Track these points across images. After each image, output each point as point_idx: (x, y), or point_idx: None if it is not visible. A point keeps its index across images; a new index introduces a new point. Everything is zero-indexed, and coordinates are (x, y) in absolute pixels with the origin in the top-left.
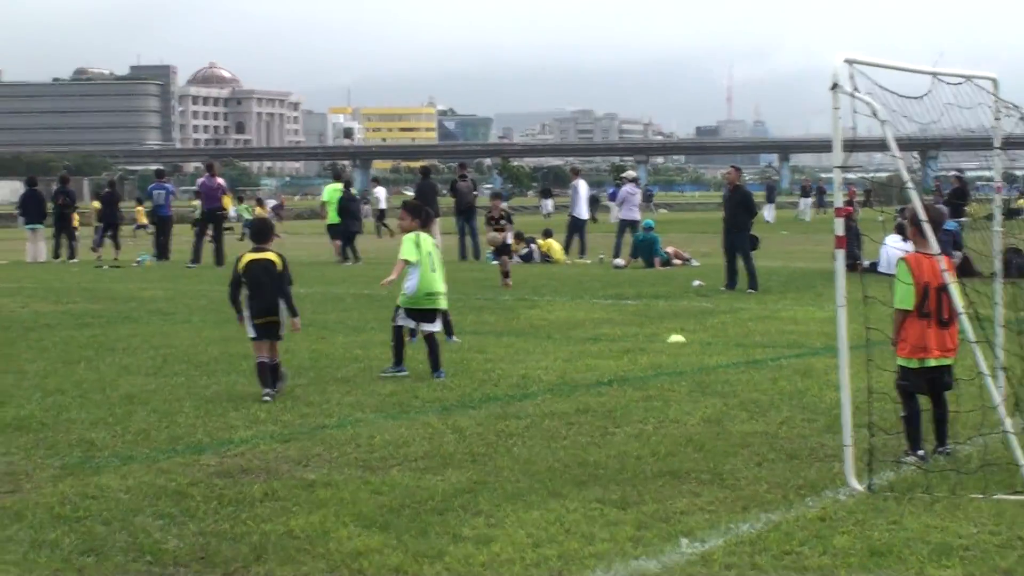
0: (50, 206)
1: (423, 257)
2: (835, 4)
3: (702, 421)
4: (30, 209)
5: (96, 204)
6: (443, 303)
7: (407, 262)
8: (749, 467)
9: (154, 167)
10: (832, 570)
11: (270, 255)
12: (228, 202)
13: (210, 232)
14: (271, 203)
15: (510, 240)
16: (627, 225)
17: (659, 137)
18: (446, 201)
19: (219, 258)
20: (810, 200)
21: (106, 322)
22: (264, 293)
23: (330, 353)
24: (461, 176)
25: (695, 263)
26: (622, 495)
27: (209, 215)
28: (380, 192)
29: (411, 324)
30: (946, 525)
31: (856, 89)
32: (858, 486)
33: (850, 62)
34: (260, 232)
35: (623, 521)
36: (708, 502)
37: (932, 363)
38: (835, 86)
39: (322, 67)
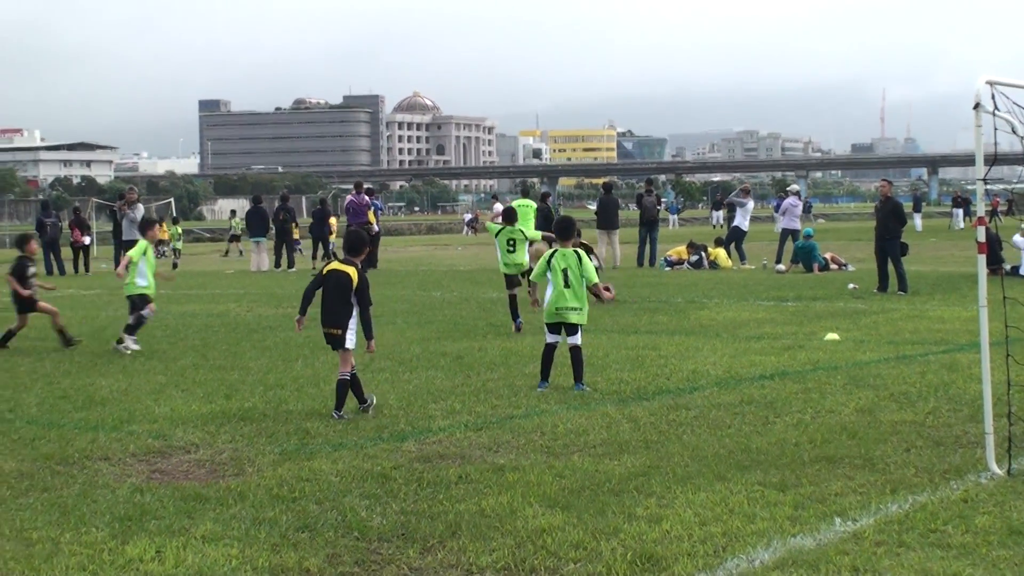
0: (272, 222)
1: (555, 274)
2: (987, 31)
3: (855, 411)
4: (255, 224)
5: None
6: (573, 317)
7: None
8: (898, 453)
9: (365, 186)
10: (974, 547)
11: (350, 270)
12: (373, 217)
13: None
14: (467, 216)
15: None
16: (789, 233)
17: (818, 154)
18: (626, 214)
19: (372, 264)
20: (961, 211)
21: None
22: (329, 304)
23: (519, 351)
24: (647, 191)
25: (850, 268)
26: (781, 478)
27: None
28: (498, 207)
29: (555, 339)
30: None
31: (997, 108)
32: (998, 470)
33: (992, 83)
34: (352, 246)
35: (782, 502)
36: (860, 485)
37: None
38: (977, 105)
39: (513, 95)
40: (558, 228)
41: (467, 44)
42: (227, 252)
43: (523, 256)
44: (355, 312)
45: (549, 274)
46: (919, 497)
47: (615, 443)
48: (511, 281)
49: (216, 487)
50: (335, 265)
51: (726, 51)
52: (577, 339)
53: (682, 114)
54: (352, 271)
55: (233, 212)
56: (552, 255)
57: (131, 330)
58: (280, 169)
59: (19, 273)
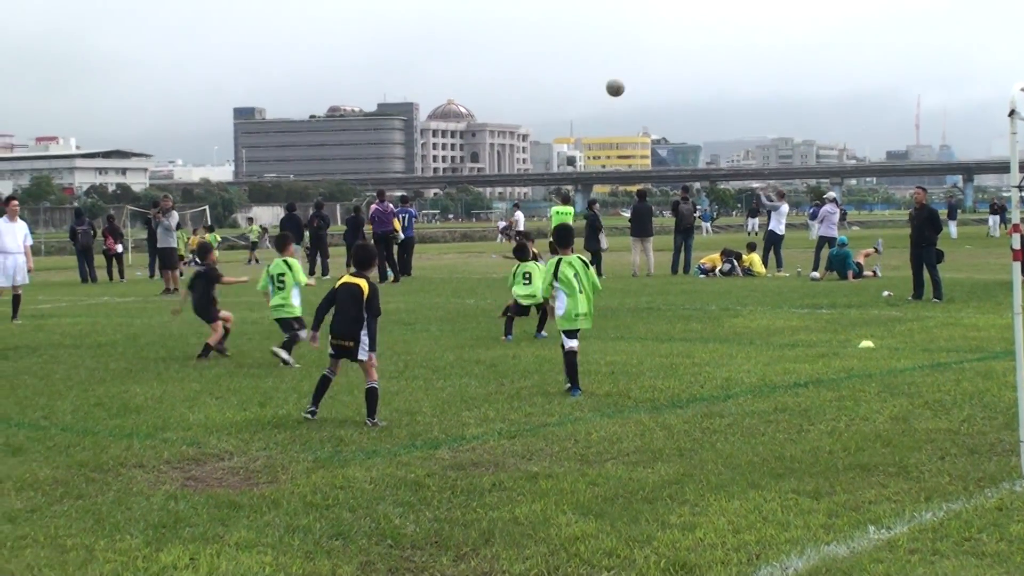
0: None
1: (567, 282)
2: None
3: (889, 419)
4: (289, 231)
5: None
6: (586, 323)
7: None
8: (932, 461)
9: (399, 193)
10: (1008, 555)
11: (360, 281)
12: (398, 225)
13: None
14: (502, 224)
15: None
16: (826, 241)
17: (852, 161)
18: (660, 221)
19: (396, 274)
20: (998, 217)
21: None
22: (343, 317)
23: (552, 359)
24: (684, 198)
25: (880, 274)
26: (815, 486)
27: (382, 237)
28: (519, 216)
29: (574, 344)
30: None
31: None
32: None
33: None
34: (359, 260)
35: (816, 510)
36: (894, 493)
37: None
38: (1012, 112)
39: (547, 102)
40: (558, 236)
41: (502, 52)
42: (252, 259)
43: (539, 287)
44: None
45: (557, 283)
46: (953, 505)
47: (649, 451)
48: (520, 309)
49: (250, 494)
50: (347, 278)
51: (761, 59)
52: (576, 343)
53: (717, 121)
54: (363, 283)
55: (251, 219)
56: (558, 265)
57: (288, 347)
58: (314, 177)
59: (215, 278)
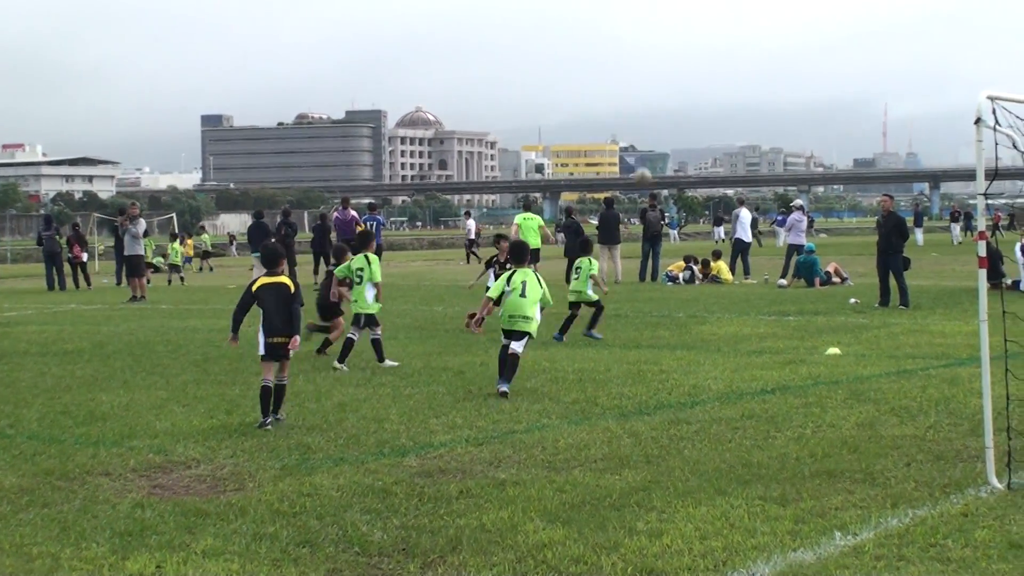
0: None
1: (515, 286)
2: (991, 48)
3: (856, 425)
4: (256, 239)
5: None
6: (524, 326)
7: (491, 299)
8: (898, 467)
9: (366, 200)
10: (973, 561)
11: (283, 279)
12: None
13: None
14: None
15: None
16: (795, 249)
17: (820, 169)
18: (629, 228)
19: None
20: (958, 225)
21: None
22: (277, 316)
23: (521, 366)
24: (651, 206)
25: (851, 283)
26: (782, 493)
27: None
28: (471, 224)
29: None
30: None
31: (998, 123)
32: (998, 484)
33: (993, 98)
34: (270, 260)
35: (782, 516)
36: (860, 499)
37: None
38: (978, 120)
39: (516, 110)
40: (513, 253)
41: (470, 60)
42: (200, 268)
43: (585, 284)
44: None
45: (508, 288)
46: (919, 511)
47: (616, 458)
48: (573, 305)
49: (217, 502)
50: (266, 280)
51: (731, 68)
52: (519, 347)
53: (686, 130)
54: (286, 280)
55: (203, 227)
56: (512, 274)
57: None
58: (282, 184)
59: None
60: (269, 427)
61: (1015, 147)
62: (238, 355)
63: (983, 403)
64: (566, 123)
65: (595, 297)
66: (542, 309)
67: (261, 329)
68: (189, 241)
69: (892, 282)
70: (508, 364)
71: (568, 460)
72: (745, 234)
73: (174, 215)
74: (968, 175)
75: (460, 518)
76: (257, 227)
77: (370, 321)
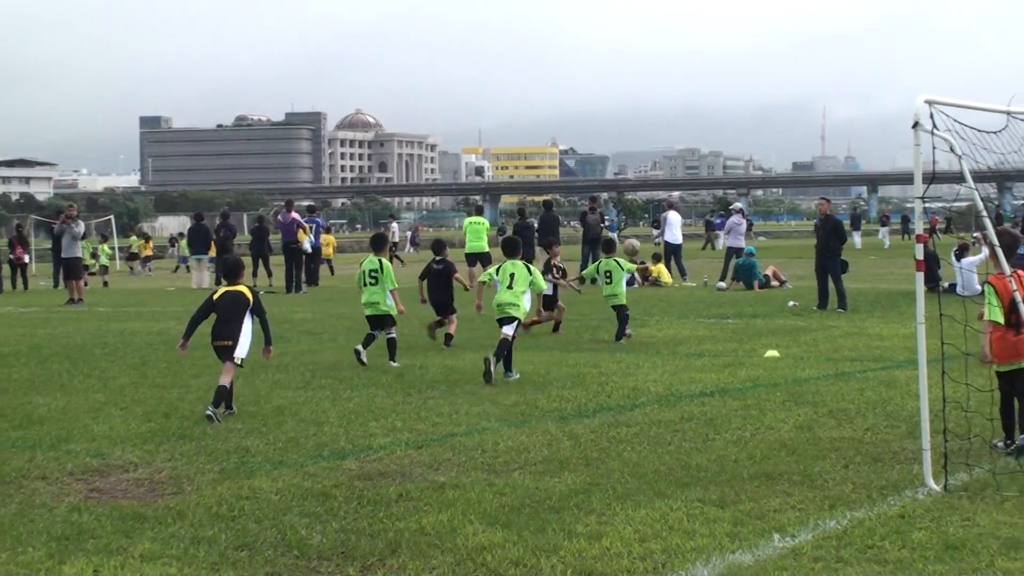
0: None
1: (502, 278)
2: (931, 55)
3: (794, 428)
4: (196, 241)
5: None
6: (513, 312)
7: (483, 283)
8: (836, 469)
9: (306, 203)
10: (911, 562)
11: (242, 289)
12: (302, 236)
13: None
14: (409, 233)
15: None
16: (734, 252)
17: (759, 172)
18: (567, 231)
19: (298, 284)
20: (887, 229)
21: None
22: (224, 320)
23: (460, 368)
24: (591, 209)
25: (789, 285)
26: (721, 495)
27: (284, 247)
28: (395, 227)
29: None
30: (1015, 521)
31: (935, 127)
32: (935, 486)
33: (930, 103)
34: (230, 271)
35: (721, 518)
36: (799, 501)
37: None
38: (916, 124)
39: (456, 112)
40: (505, 247)
41: (410, 62)
42: (132, 270)
43: (620, 287)
44: (248, 327)
45: (497, 277)
46: (857, 513)
47: (556, 460)
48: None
49: (155, 506)
50: (226, 288)
51: (672, 72)
52: (510, 330)
53: (626, 133)
54: (246, 290)
55: (142, 230)
56: (499, 268)
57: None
58: (221, 187)
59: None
60: (209, 415)
61: (952, 151)
62: (176, 358)
63: (920, 405)
64: (506, 125)
65: (624, 301)
66: (539, 295)
67: (211, 332)
68: (149, 243)
69: (830, 285)
70: (500, 346)
71: (508, 463)
72: (673, 237)
73: (111, 217)
74: (906, 179)
75: (399, 521)
76: (197, 229)
77: (387, 322)
